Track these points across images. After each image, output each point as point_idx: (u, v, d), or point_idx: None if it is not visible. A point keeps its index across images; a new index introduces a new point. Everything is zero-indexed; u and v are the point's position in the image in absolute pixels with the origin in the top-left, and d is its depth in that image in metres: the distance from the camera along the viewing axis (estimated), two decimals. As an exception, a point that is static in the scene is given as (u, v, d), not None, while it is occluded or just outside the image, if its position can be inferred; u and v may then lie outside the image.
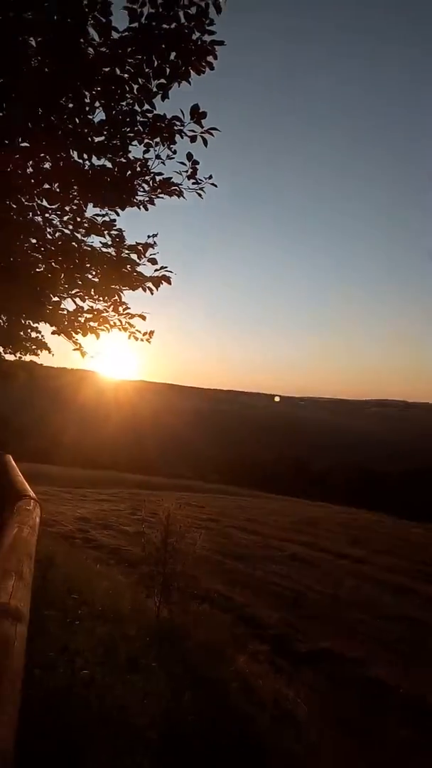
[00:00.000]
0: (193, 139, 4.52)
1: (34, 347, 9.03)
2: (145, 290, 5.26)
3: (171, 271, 5.26)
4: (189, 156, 4.75)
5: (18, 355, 9.48)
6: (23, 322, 8.08)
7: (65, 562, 8.04)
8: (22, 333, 8.60)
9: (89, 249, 5.29)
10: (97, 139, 4.45)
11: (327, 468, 68.65)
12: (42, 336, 8.73)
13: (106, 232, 5.19)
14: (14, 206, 5.13)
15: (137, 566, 9.59)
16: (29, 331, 8.57)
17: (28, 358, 9.63)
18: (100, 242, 5.28)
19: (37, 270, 5.36)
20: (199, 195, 5.00)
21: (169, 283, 5.25)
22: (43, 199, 4.99)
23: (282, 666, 6.05)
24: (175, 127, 4.47)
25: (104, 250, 5.30)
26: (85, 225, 5.17)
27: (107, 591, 6.92)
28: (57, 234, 5.29)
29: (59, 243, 5.25)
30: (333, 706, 5.35)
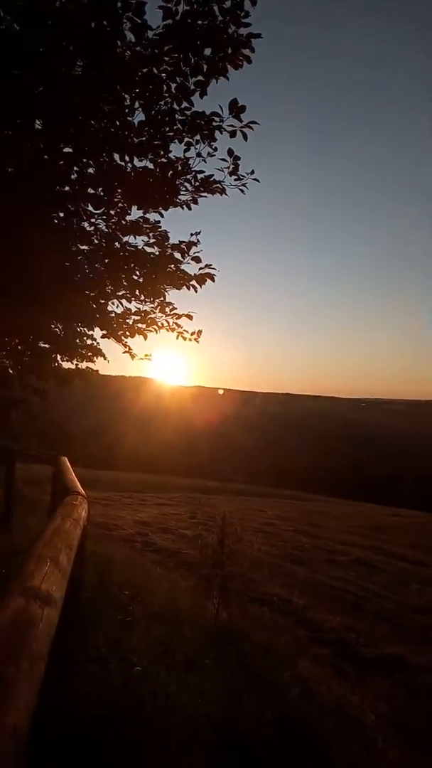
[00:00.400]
0: (232, 134, 4.50)
1: (89, 354, 9.23)
2: (189, 288, 5.27)
3: (215, 268, 5.25)
4: (230, 152, 4.74)
5: (75, 362, 9.72)
6: (78, 329, 8.28)
7: (125, 565, 8.11)
8: (78, 340, 8.80)
9: (133, 249, 5.35)
10: (137, 141, 4.51)
11: (393, 473, 66.74)
12: (97, 342, 8.91)
13: (150, 233, 5.23)
14: (62, 214, 5.26)
15: (196, 569, 9.56)
16: (84, 338, 8.77)
17: (84, 365, 9.87)
18: (143, 242, 5.34)
19: (85, 273, 5.47)
20: (242, 191, 4.98)
21: (213, 280, 5.23)
22: (89, 205, 5.09)
23: (345, 671, 5.85)
24: (214, 123, 4.46)
25: (148, 249, 5.34)
26: (130, 227, 5.24)
27: (165, 593, 6.93)
28: (102, 238, 5.38)
29: (104, 246, 5.34)
30: (400, 713, 5.13)
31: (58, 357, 9.70)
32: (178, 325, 5.98)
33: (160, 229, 5.29)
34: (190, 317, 5.78)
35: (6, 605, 1.15)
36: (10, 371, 10.17)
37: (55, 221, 5.24)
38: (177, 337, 6.01)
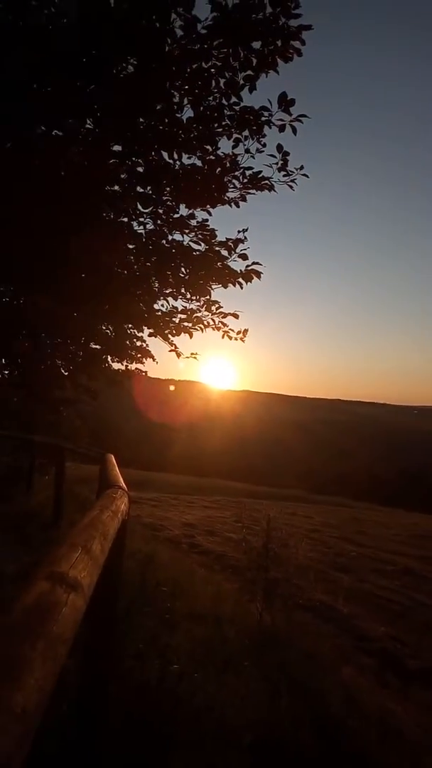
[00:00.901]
0: (281, 128, 4.43)
1: (138, 355, 9.33)
2: (235, 285, 5.22)
3: (260, 263, 5.18)
4: (279, 147, 4.67)
5: (124, 363, 9.85)
6: (128, 330, 8.37)
7: (170, 565, 8.12)
8: (127, 342, 8.90)
9: (180, 246, 5.34)
10: (186, 137, 4.50)
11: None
12: (146, 344, 9.00)
13: (197, 231, 5.22)
14: (112, 214, 5.32)
15: (241, 573, 9.49)
16: (134, 339, 8.86)
17: (133, 366, 9.99)
18: (190, 239, 5.32)
19: (132, 271, 5.51)
20: (291, 187, 4.90)
21: (259, 277, 5.17)
22: (138, 203, 5.12)
23: (389, 681, 5.65)
24: (263, 118, 4.40)
25: (194, 246, 5.33)
26: (176, 224, 5.24)
27: (209, 594, 6.89)
28: (150, 235, 5.40)
29: (151, 243, 5.36)
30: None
31: (109, 358, 9.85)
32: (224, 324, 5.95)
33: (207, 227, 5.27)
34: (236, 316, 5.73)
35: (30, 588, 1.13)
36: (63, 371, 10.39)
37: (105, 221, 5.30)
38: (223, 336, 5.97)
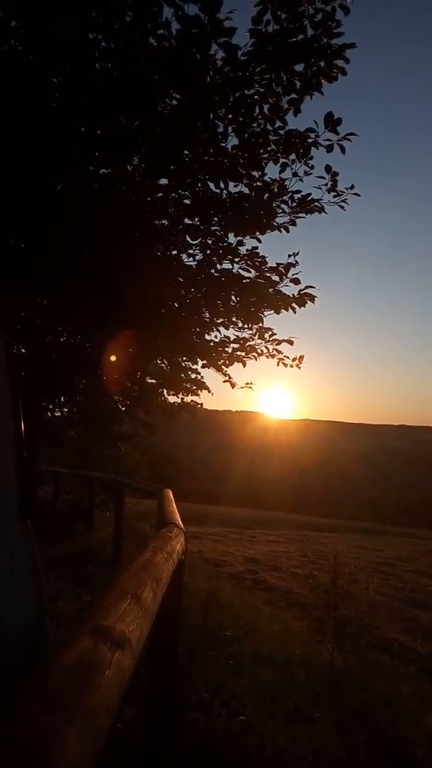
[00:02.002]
0: (329, 148, 4.35)
1: (194, 387, 9.31)
2: (287, 310, 5.10)
3: (314, 287, 5.05)
4: (327, 168, 4.58)
5: (180, 395, 9.87)
6: (183, 363, 8.38)
7: (234, 603, 7.87)
8: (182, 374, 8.92)
9: (230, 274, 5.29)
10: (232, 166, 4.48)
11: None
12: (201, 376, 8.99)
13: (247, 258, 5.16)
14: (162, 247, 5.34)
15: (309, 610, 9.12)
16: (188, 372, 8.87)
17: (189, 398, 9.99)
18: (239, 266, 5.26)
19: (184, 303, 5.48)
20: (342, 207, 4.78)
21: (313, 301, 5.03)
22: (186, 235, 5.13)
23: None
24: (309, 140, 4.33)
25: (244, 273, 5.26)
26: (226, 252, 5.19)
27: (276, 634, 6.60)
28: (200, 266, 5.38)
29: (201, 275, 5.33)
30: None
31: (164, 391, 9.89)
32: (279, 351, 5.81)
33: (257, 254, 5.20)
34: (290, 342, 5.59)
35: (70, 645, 1.00)
36: (120, 407, 10.49)
37: (155, 256, 5.32)
38: (278, 364, 5.84)
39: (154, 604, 1.59)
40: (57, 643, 1.08)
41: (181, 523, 3.20)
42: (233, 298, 5.25)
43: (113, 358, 7.17)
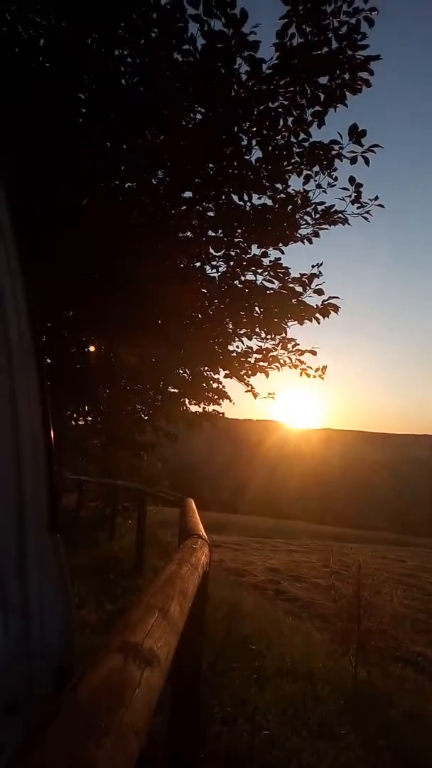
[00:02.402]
0: (353, 160, 4.34)
1: (215, 396, 9.32)
2: (311, 321, 5.08)
3: (338, 297, 5.03)
4: (351, 180, 4.58)
5: (201, 405, 9.88)
6: (204, 373, 8.40)
7: (256, 614, 7.81)
8: (204, 384, 8.94)
9: (253, 286, 5.29)
10: (255, 178, 4.50)
11: None
12: (222, 386, 9.00)
13: (270, 270, 5.16)
14: (185, 259, 5.38)
15: (331, 621, 9.00)
16: (210, 381, 8.89)
17: (210, 407, 10.00)
18: (263, 277, 5.27)
19: (206, 314, 5.50)
20: (365, 219, 4.76)
21: (337, 311, 5.01)
22: (210, 247, 5.15)
23: None
24: (333, 152, 4.33)
25: (267, 285, 5.27)
26: (249, 264, 5.20)
27: (298, 646, 6.52)
28: (223, 277, 5.39)
29: (224, 286, 5.34)
30: None
31: (186, 400, 9.92)
32: (301, 362, 5.79)
33: (280, 266, 5.20)
34: (313, 353, 5.58)
35: (99, 663, 1.00)
36: (143, 416, 10.54)
37: (178, 267, 5.36)
38: (300, 374, 5.81)
39: (181, 618, 1.58)
40: (86, 660, 1.08)
41: (204, 533, 3.20)
42: (257, 308, 5.26)
43: (136, 367, 7.24)
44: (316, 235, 4.98)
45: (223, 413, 10.37)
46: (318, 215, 4.81)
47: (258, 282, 5.32)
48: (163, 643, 1.26)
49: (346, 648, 6.63)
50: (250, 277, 5.37)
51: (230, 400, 9.28)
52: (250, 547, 20.10)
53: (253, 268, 5.23)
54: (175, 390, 9.62)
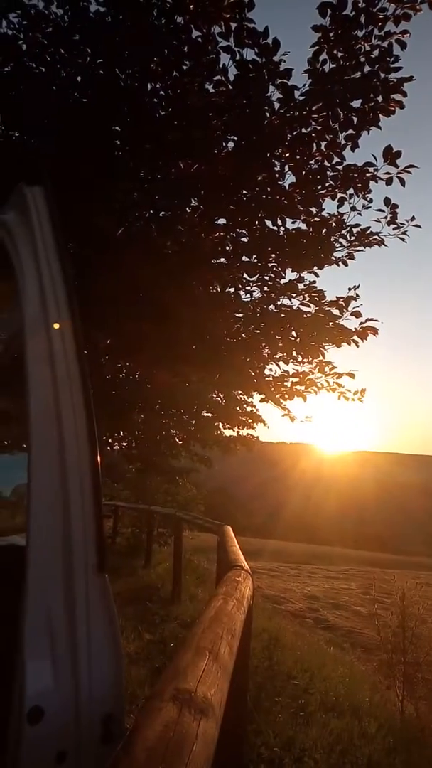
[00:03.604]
0: (388, 181, 4.30)
1: (249, 421, 9.27)
2: (349, 344, 5.00)
3: (376, 320, 4.95)
4: (387, 201, 4.53)
5: (236, 429, 9.83)
6: (238, 397, 8.37)
7: (296, 644, 7.61)
8: (238, 408, 8.90)
9: (288, 310, 5.25)
10: (289, 203, 4.49)
11: None
12: (257, 410, 8.94)
13: (305, 294, 5.12)
14: (219, 287, 5.39)
15: (374, 652, 8.73)
16: (244, 405, 8.85)
17: (245, 431, 9.94)
18: (299, 301, 5.23)
19: (240, 339, 5.48)
20: (402, 240, 4.69)
21: (376, 334, 4.92)
22: (243, 273, 5.15)
23: None
24: (368, 174, 4.30)
25: (304, 309, 5.22)
26: (286, 290, 5.18)
27: (342, 678, 6.30)
28: (258, 302, 5.38)
29: (258, 311, 5.32)
30: None
31: (220, 425, 9.89)
32: (339, 385, 5.69)
33: (315, 289, 5.15)
34: (352, 376, 5.47)
35: (152, 714, 0.95)
36: (177, 441, 10.54)
37: (212, 294, 5.37)
38: (339, 398, 5.71)
39: (231, 659, 1.52)
40: (138, 710, 1.03)
41: (246, 564, 3.12)
42: (293, 333, 5.21)
43: (171, 392, 7.25)
44: (351, 257, 4.94)
45: (257, 437, 10.29)
46: (353, 237, 4.77)
47: (294, 306, 5.29)
48: (216, 689, 1.20)
49: (392, 681, 6.38)
50: (285, 301, 5.34)
51: (264, 424, 9.21)
52: (286, 574, 19.75)
53: (288, 292, 5.20)
54: (209, 414, 9.60)
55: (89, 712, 1.22)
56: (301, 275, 5.17)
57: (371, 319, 4.95)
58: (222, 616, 1.74)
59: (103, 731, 1.21)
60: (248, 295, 5.48)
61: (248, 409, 9.01)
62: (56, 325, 1.33)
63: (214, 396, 8.63)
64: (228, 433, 10.23)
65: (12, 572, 1.28)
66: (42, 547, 1.23)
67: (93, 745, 1.20)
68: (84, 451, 1.29)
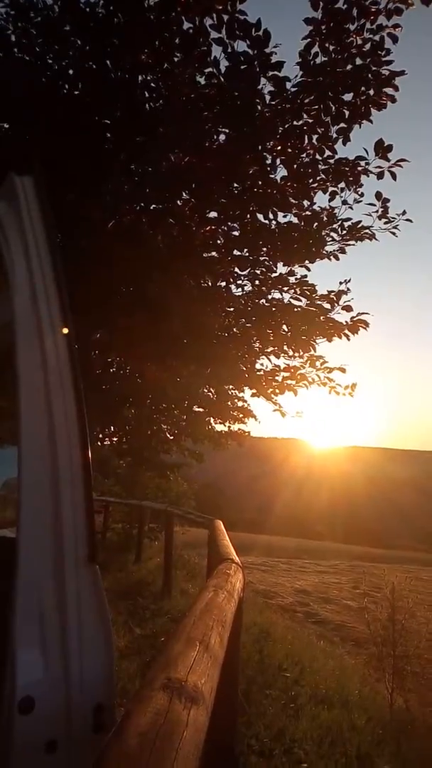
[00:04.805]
0: (380, 175, 4.31)
1: (241, 416, 9.27)
2: (341, 338, 5.01)
3: (367, 313, 4.96)
4: (378, 195, 4.53)
5: (227, 424, 9.83)
6: (230, 391, 8.37)
7: (286, 637, 7.64)
8: (229, 403, 8.90)
9: (280, 304, 5.25)
10: (281, 197, 4.49)
11: None
12: (248, 404, 8.95)
13: (296, 287, 5.12)
14: (210, 281, 5.37)
15: (364, 645, 8.80)
16: (235, 399, 8.85)
17: (236, 426, 9.95)
18: (290, 295, 5.23)
19: (232, 333, 5.47)
20: (393, 234, 4.70)
21: (366, 327, 4.93)
22: (235, 267, 5.14)
23: None
24: (359, 168, 4.31)
25: (295, 302, 5.22)
26: (277, 284, 5.17)
27: (331, 672, 6.35)
28: (249, 296, 5.37)
29: (250, 305, 5.31)
30: None
31: (211, 420, 9.88)
32: (330, 380, 5.71)
33: (307, 283, 5.15)
34: (343, 370, 5.49)
35: (143, 703, 0.94)
36: (168, 435, 10.52)
37: (203, 287, 5.36)
38: (329, 392, 5.73)
39: (221, 649, 1.52)
40: (129, 698, 1.03)
41: (237, 558, 3.12)
42: (284, 327, 5.21)
43: (162, 386, 7.23)
44: (342, 251, 4.94)
45: (248, 432, 10.30)
46: (344, 231, 4.77)
47: (286, 300, 5.29)
48: (207, 678, 1.20)
49: (381, 674, 6.44)
50: (276, 295, 5.33)
51: (255, 419, 9.22)
52: (277, 568, 19.82)
53: (279, 286, 5.20)
54: (201, 409, 9.59)
55: (80, 702, 1.21)
56: (292, 269, 5.17)
57: (363, 313, 4.97)
58: (213, 607, 1.74)
59: (94, 721, 1.21)
60: (239, 289, 5.48)
61: (239, 404, 9.01)
62: (46, 316, 1.32)
63: (206, 391, 8.63)
64: (219, 428, 10.24)
65: (2, 563, 1.27)
66: (33, 538, 1.23)
67: (84, 734, 1.20)
68: (75, 444, 1.28)
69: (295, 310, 5.12)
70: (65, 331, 1.36)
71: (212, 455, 11.51)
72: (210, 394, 8.68)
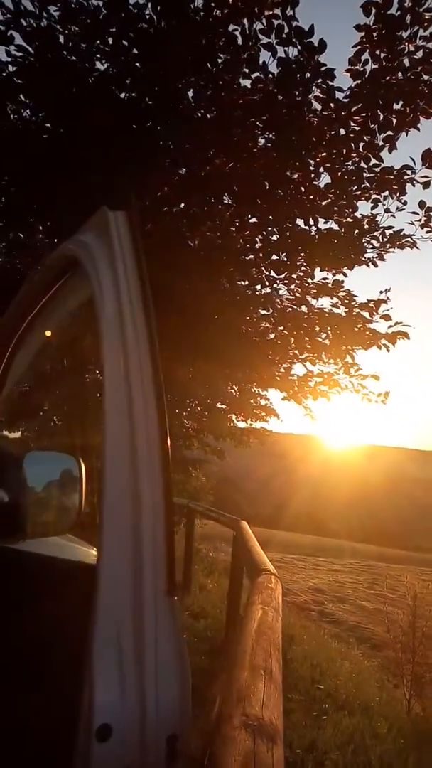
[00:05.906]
0: (426, 185, 4.26)
1: (263, 414, 9.29)
2: (380, 348, 4.97)
3: (408, 325, 4.91)
4: (422, 204, 4.47)
5: (249, 421, 9.86)
6: (252, 390, 8.39)
7: (303, 638, 7.68)
8: (252, 401, 8.92)
9: (318, 311, 5.23)
10: (323, 203, 4.45)
11: None
12: (271, 403, 8.96)
13: (334, 294, 5.09)
14: (246, 282, 5.37)
15: (380, 648, 8.80)
16: (258, 398, 8.87)
17: (258, 424, 9.97)
18: (329, 303, 5.21)
19: (269, 338, 5.47)
20: (435, 243, 4.65)
21: (407, 338, 4.89)
22: (271, 271, 5.12)
23: None
24: (405, 177, 4.25)
25: (334, 310, 5.20)
26: (313, 290, 5.15)
27: (350, 675, 6.37)
28: (285, 301, 5.36)
29: (288, 310, 5.30)
30: None
31: (233, 417, 9.91)
32: (363, 387, 5.68)
33: (344, 289, 5.13)
34: (376, 378, 5.46)
35: (230, 746, 0.96)
36: (190, 431, 10.58)
37: (239, 290, 5.36)
38: (362, 399, 5.70)
39: (280, 674, 1.53)
40: (214, 738, 1.04)
41: (272, 567, 3.12)
42: (321, 335, 5.20)
43: (186, 383, 7.26)
44: (381, 258, 4.90)
45: (270, 430, 10.31)
46: (385, 239, 4.72)
47: (327, 310, 5.27)
48: (279, 713, 1.22)
49: (399, 679, 6.44)
50: (314, 302, 5.32)
51: (278, 418, 9.24)
52: (291, 565, 19.84)
53: (320, 293, 5.18)
54: (223, 406, 9.62)
55: (155, 731, 1.24)
56: (330, 275, 5.15)
57: (399, 323, 4.92)
58: (265, 629, 1.75)
59: (168, 749, 1.23)
60: (274, 292, 5.46)
61: (262, 402, 9.04)
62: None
63: (229, 388, 8.66)
64: (241, 425, 10.28)
65: (81, 589, 1.28)
66: (113, 567, 1.24)
67: (157, 763, 1.22)
68: (157, 473, 1.23)
69: (336, 318, 5.11)
70: (152, 352, 1.30)
71: (229, 451, 11.56)
72: (233, 391, 8.70)
